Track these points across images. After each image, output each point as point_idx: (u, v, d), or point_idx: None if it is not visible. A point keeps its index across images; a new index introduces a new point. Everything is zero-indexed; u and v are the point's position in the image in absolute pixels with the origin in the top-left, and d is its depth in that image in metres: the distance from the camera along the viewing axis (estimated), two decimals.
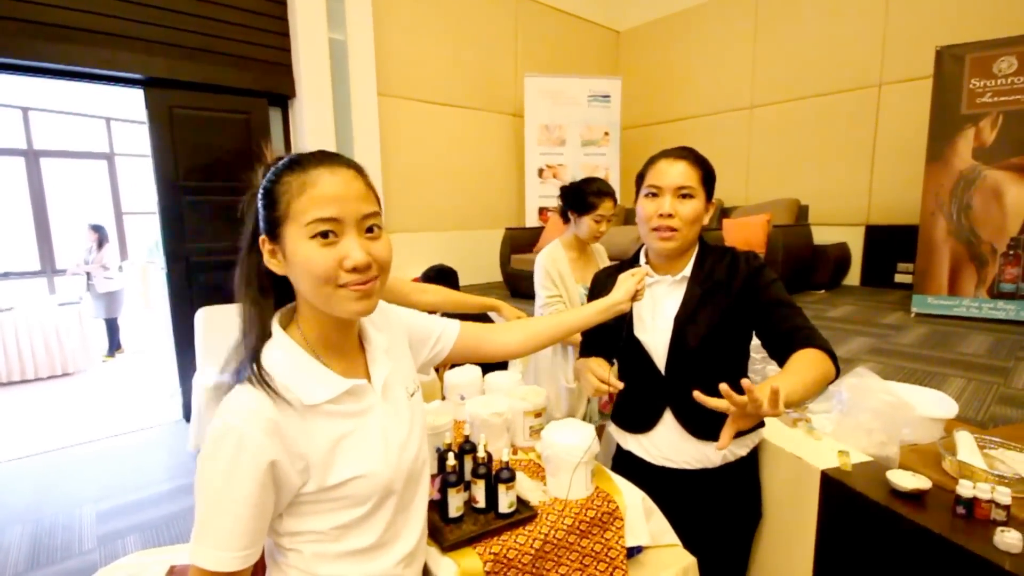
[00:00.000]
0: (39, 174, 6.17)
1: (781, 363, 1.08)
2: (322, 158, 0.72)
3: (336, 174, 0.70)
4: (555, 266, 1.91)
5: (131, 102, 5.26)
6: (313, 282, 0.70)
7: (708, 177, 1.18)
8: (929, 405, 1.37)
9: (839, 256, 4.27)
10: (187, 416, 3.52)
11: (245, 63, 3.46)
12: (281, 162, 0.73)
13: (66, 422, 3.80)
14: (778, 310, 1.12)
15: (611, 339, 1.26)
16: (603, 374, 1.14)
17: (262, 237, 0.73)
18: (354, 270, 0.70)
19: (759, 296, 1.14)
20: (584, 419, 1.82)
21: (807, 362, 0.98)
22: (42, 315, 4.93)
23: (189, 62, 3.24)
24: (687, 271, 1.21)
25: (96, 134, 6.68)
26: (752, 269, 1.17)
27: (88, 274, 5.37)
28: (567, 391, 1.98)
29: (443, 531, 1.02)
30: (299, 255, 0.69)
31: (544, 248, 1.99)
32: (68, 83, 3.11)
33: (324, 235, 0.69)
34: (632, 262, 1.31)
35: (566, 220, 1.95)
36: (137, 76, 3.13)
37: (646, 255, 1.29)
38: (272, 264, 0.73)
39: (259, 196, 0.73)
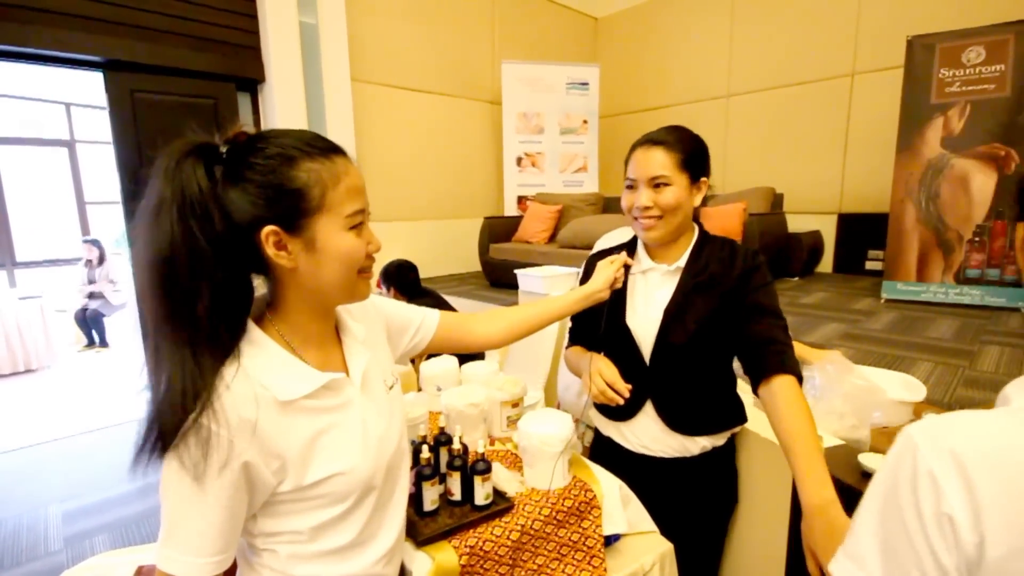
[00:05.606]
0: None
1: (748, 371, 1.07)
2: (333, 146, 0.71)
3: (351, 163, 0.72)
4: None
5: (91, 86, 5.04)
6: (347, 271, 0.72)
7: (690, 159, 1.12)
8: (898, 389, 1.40)
9: (812, 244, 4.34)
10: None
11: (211, 45, 3.33)
12: (282, 147, 0.67)
13: (31, 420, 3.67)
14: (760, 317, 1.07)
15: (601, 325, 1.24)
16: (612, 376, 1.11)
17: (271, 228, 0.67)
18: (370, 256, 0.74)
19: (746, 298, 1.10)
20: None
21: (805, 426, 0.97)
22: (2, 309, 4.73)
23: (151, 44, 3.10)
24: (682, 261, 1.17)
25: (56, 120, 6.39)
26: (748, 267, 1.12)
27: (92, 285, 5.54)
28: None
29: (418, 525, 1.00)
30: (338, 246, 0.70)
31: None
32: (22, 66, 2.95)
33: (359, 225, 0.72)
34: (627, 247, 1.26)
35: None
36: (96, 58, 2.98)
37: (643, 241, 1.23)
38: (281, 257, 0.68)
39: (259, 184, 0.66)
